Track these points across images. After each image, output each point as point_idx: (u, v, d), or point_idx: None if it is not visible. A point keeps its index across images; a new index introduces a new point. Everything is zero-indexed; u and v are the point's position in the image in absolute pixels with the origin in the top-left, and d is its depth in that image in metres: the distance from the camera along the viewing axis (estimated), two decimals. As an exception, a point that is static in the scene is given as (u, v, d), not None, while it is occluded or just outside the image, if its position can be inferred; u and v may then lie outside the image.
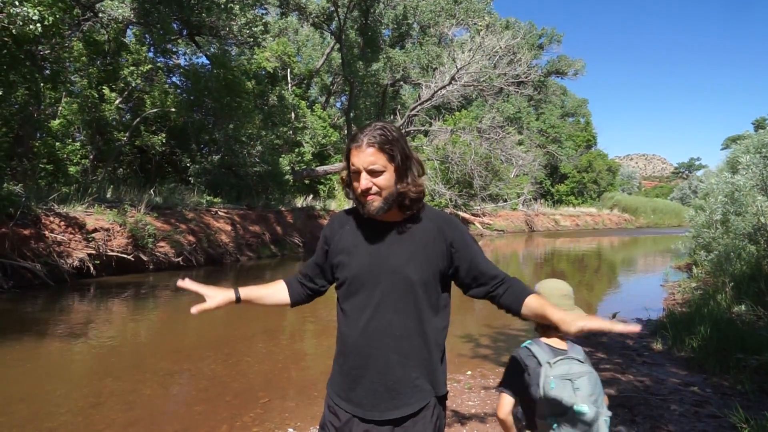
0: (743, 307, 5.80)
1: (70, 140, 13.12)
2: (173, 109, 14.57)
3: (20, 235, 8.43)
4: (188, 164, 16.71)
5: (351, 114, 24.58)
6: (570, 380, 1.65)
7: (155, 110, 14.46)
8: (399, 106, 28.83)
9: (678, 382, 4.27)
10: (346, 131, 24.71)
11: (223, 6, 13.65)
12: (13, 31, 7.91)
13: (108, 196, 11.97)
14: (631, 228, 41.98)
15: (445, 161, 23.33)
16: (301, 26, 27.13)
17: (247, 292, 1.60)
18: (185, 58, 21.00)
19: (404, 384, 1.45)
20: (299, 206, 18.38)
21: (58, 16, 8.50)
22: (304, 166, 20.63)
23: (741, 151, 9.46)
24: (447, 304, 1.55)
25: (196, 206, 13.64)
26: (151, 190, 13.41)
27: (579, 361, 1.72)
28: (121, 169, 16.29)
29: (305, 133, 21.15)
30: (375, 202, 1.44)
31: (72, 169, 12.61)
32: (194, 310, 1.51)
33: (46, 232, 8.89)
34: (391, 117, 26.04)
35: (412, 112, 22.35)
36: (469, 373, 4.68)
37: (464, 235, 1.53)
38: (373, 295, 1.46)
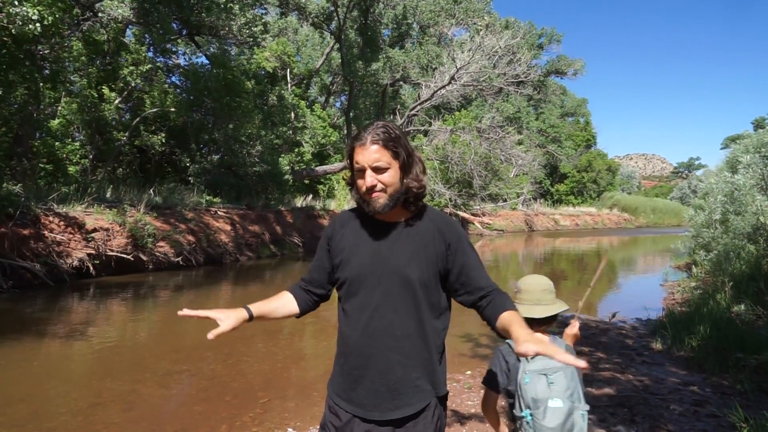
0: (743, 307, 5.81)
1: (69, 140, 13.12)
2: (173, 109, 14.58)
3: (19, 234, 8.42)
4: (188, 164, 16.69)
5: (351, 114, 24.55)
6: (545, 375, 1.68)
7: (155, 110, 14.46)
8: (399, 106, 28.82)
9: (677, 381, 4.28)
10: (345, 131, 24.68)
11: (222, 6, 13.64)
12: (13, 30, 7.90)
13: (107, 195, 11.95)
14: (630, 228, 41.98)
15: (445, 161, 23.32)
16: (301, 26, 27.09)
17: (257, 308, 1.56)
18: (185, 58, 21.04)
19: (405, 384, 1.45)
20: (299, 206, 18.35)
21: (57, 15, 8.47)
22: (304, 166, 20.63)
23: (740, 150, 9.48)
24: (447, 305, 1.55)
25: (196, 206, 13.62)
26: (151, 190, 13.39)
27: None
28: (120, 169, 16.28)
29: (305, 133, 21.13)
30: (380, 199, 1.45)
31: (71, 169, 12.61)
32: (211, 335, 1.45)
33: (46, 232, 8.88)
34: (391, 117, 26.00)
35: (412, 112, 22.32)
36: (468, 372, 4.68)
37: (462, 240, 1.53)
38: (374, 295, 1.47)
